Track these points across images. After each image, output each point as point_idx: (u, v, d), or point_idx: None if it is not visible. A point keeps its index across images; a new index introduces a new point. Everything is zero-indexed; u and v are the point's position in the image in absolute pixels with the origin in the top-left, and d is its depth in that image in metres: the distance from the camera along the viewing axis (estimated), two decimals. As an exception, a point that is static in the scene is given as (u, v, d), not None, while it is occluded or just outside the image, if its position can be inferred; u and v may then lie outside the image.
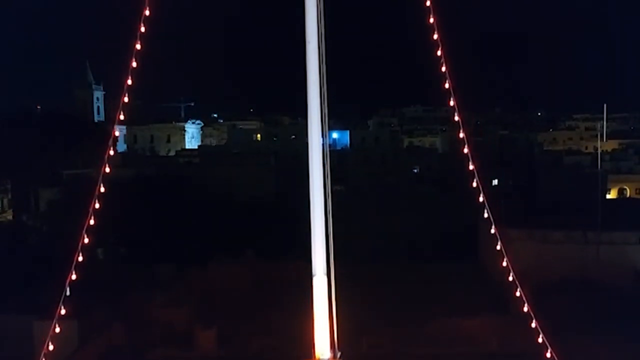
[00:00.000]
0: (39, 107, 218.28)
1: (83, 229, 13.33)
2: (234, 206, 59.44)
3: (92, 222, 13.39)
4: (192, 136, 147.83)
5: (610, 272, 29.52)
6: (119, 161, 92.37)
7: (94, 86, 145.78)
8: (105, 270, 40.04)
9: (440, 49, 11.68)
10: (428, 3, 11.42)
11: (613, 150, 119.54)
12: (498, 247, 15.40)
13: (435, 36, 11.68)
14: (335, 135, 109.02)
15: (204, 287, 33.26)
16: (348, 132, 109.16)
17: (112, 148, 14.06)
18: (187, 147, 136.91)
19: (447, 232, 54.23)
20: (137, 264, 39.93)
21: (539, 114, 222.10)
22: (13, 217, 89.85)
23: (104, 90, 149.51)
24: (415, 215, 61.19)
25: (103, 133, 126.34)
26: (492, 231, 15.77)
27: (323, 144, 11.36)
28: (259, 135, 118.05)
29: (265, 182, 78.04)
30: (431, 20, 11.59)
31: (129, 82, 11.62)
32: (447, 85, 12.09)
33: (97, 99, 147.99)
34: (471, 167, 13.51)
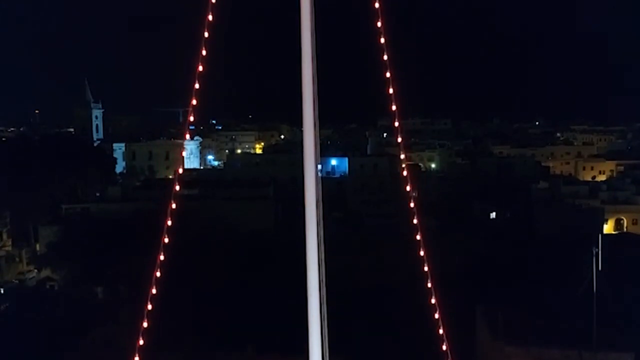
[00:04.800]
0: (37, 111, 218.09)
1: (155, 268, 13.22)
2: (233, 263, 59.25)
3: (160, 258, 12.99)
4: (190, 152, 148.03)
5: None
6: (118, 194, 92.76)
7: (92, 104, 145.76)
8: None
9: (385, 53, 11.92)
10: (377, 5, 11.33)
11: (610, 176, 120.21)
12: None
13: (382, 40, 11.82)
14: (334, 162, 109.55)
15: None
16: (347, 159, 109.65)
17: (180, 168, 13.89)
18: (185, 165, 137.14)
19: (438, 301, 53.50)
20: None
21: (537, 122, 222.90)
22: (12, 247, 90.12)
23: (102, 108, 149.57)
24: (410, 266, 61.11)
25: (102, 154, 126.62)
26: (437, 316, 13.44)
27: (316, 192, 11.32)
28: (257, 160, 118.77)
29: (264, 221, 78.47)
30: (379, 24, 11.83)
31: (197, 85, 12.22)
32: (390, 90, 12.42)
33: (96, 117, 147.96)
34: (408, 188, 12.85)
